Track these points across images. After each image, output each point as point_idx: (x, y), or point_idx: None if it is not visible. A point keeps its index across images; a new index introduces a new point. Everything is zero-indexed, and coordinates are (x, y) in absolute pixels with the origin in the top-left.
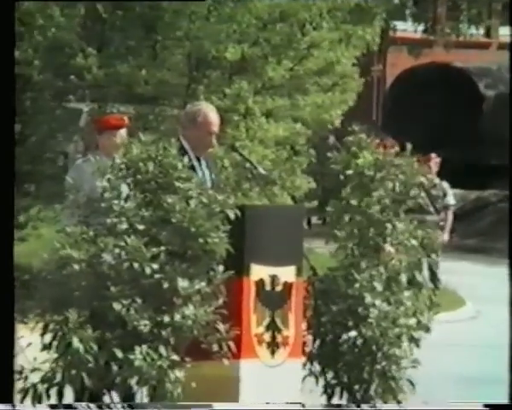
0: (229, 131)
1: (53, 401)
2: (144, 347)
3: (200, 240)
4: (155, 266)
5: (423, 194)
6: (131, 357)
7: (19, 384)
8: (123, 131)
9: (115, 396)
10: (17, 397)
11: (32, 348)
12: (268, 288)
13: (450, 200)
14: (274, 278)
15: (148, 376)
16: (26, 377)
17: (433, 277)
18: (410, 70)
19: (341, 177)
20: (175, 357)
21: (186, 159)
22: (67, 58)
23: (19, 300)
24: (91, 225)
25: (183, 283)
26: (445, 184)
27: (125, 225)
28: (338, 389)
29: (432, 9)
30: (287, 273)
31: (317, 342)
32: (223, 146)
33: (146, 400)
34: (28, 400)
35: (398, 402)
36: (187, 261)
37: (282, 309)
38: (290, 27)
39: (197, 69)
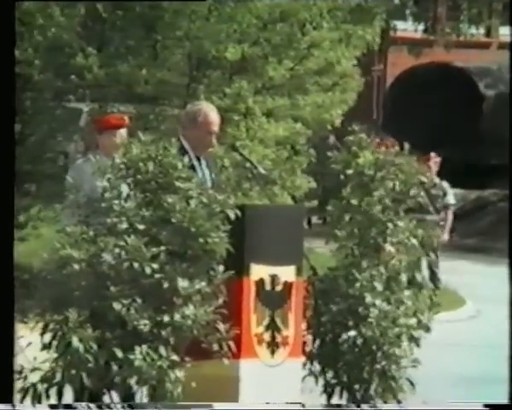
0: (230, 130)
1: (52, 400)
2: (144, 347)
3: (201, 240)
4: (155, 265)
5: (423, 193)
6: (131, 357)
7: (18, 384)
8: (123, 131)
9: (115, 396)
10: (17, 397)
11: (31, 347)
12: (268, 288)
13: (450, 199)
14: (274, 278)
15: (148, 376)
16: (25, 377)
17: (434, 276)
18: (411, 70)
19: (342, 176)
20: (175, 357)
21: (186, 159)
22: (67, 58)
23: (19, 299)
24: (91, 224)
25: (183, 282)
26: (445, 184)
27: (125, 225)
28: (338, 389)
29: (432, 9)
30: (287, 273)
31: (317, 341)
32: (223, 146)
33: (146, 400)
34: (28, 400)
35: (398, 402)
36: (187, 261)
37: (281, 309)
38: (290, 27)
39: (197, 69)
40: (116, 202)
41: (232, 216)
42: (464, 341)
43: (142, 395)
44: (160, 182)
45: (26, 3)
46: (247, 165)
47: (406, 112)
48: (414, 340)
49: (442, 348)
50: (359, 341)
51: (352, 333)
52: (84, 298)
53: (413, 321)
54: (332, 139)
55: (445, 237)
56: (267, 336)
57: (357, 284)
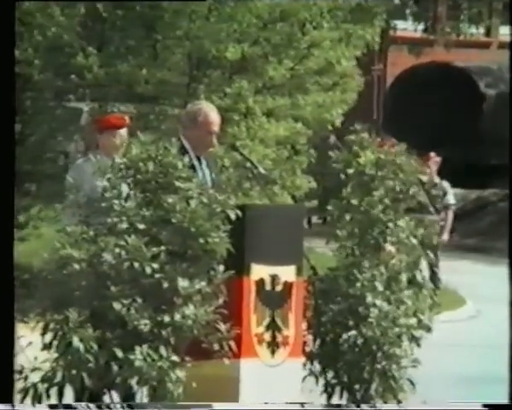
0: (230, 130)
1: (53, 400)
2: (144, 347)
3: (201, 240)
4: (156, 265)
5: (423, 193)
6: (131, 357)
7: (19, 384)
8: (123, 131)
9: (115, 396)
10: (17, 397)
11: (32, 347)
12: (268, 287)
13: (451, 199)
14: (274, 278)
15: (148, 376)
16: (26, 377)
17: (434, 276)
18: (411, 69)
19: (342, 176)
20: (175, 357)
21: (186, 158)
22: (68, 57)
23: (19, 299)
24: (92, 224)
25: (183, 282)
26: (446, 184)
27: (125, 225)
28: (338, 389)
29: (432, 9)
30: (287, 273)
31: (318, 341)
32: (223, 146)
33: (146, 400)
34: (28, 400)
35: (399, 402)
36: (187, 261)
37: (282, 309)
38: (290, 27)
39: (198, 69)
40: (116, 201)
41: (232, 216)
42: (464, 341)
43: (142, 396)
44: (161, 182)
45: (26, 3)
46: (248, 165)
47: (406, 111)
48: (414, 340)
49: (442, 348)
50: (360, 341)
51: (353, 333)
52: (85, 298)
53: (413, 321)
54: (332, 139)
55: (445, 237)
56: (267, 336)
57: (358, 284)
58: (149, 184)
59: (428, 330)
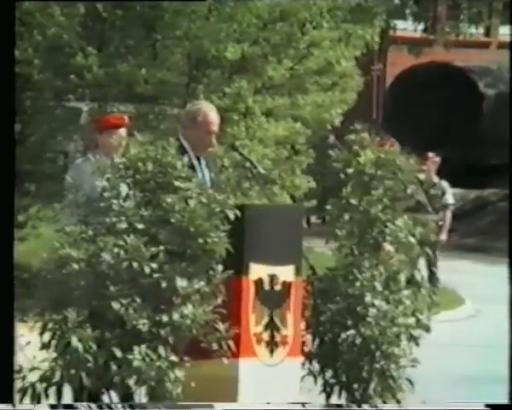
0: (229, 130)
1: (51, 400)
2: (143, 347)
3: (200, 240)
4: (154, 265)
5: (421, 192)
6: (130, 357)
7: (17, 383)
8: (123, 131)
9: (114, 396)
10: (16, 397)
11: (31, 346)
12: (267, 287)
13: (449, 199)
14: (273, 278)
15: (147, 376)
16: (24, 377)
17: (432, 276)
18: (410, 69)
19: (342, 175)
20: (174, 357)
21: (186, 158)
22: (67, 57)
23: (18, 299)
24: (91, 224)
25: (182, 282)
26: (445, 183)
27: (124, 225)
28: (337, 389)
29: (432, 9)
30: (286, 273)
31: (316, 341)
32: (223, 145)
33: (144, 399)
34: (27, 399)
35: (397, 402)
36: (186, 261)
37: (280, 308)
38: (290, 27)
39: (197, 68)
40: (115, 201)
41: (231, 216)
42: (463, 340)
43: (140, 395)
44: (160, 181)
45: (25, 3)
46: (247, 164)
47: (406, 111)
48: (413, 339)
49: (441, 347)
50: (358, 340)
51: (351, 332)
52: (84, 298)
53: (412, 320)
54: (331, 139)
55: (444, 236)
56: (266, 336)
57: (357, 284)
58: (148, 184)
59: (427, 329)
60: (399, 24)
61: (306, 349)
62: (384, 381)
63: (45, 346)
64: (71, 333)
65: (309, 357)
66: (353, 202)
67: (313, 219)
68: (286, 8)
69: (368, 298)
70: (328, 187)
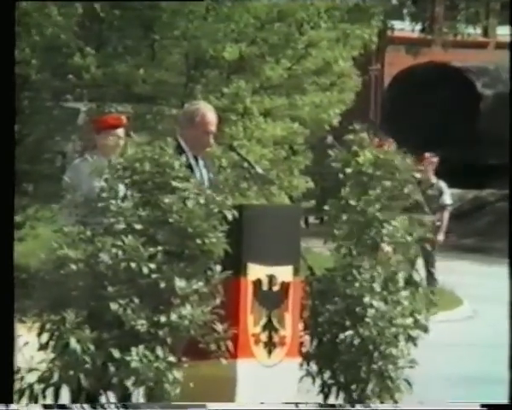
0: (227, 130)
1: (49, 401)
2: (141, 348)
3: (198, 240)
4: (153, 265)
5: (419, 192)
6: (128, 358)
7: (15, 384)
8: (120, 131)
9: (112, 397)
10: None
11: (29, 347)
12: (265, 288)
13: (447, 199)
14: (271, 278)
15: (145, 377)
16: (22, 378)
17: (430, 277)
18: (408, 69)
19: (340, 175)
20: (172, 358)
21: (183, 158)
22: (65, 58)
23: (16, 299)
24: (89, 224)
25: (180, 283)
26: (442, 184)
27: (122, 225)
28: (334, 389)
29: (430, 9)
30: (284, 273)
31: (314, 342)
32: (221, 146)
33: (142, 400)
34: (24, 400)
35: (395, 402)
36: (184, 261)
37: (279, 309)
38: (288, 27)
39: (195, 69)
40: (113, 202)
41: (229, 216)
42: (461, 341)
43: (138, 396)
44: (157, 182)
45: (23, 3)
46: (245, 165)
47: (404, 112)
48: (411, 339)
49: (439, 348)
50: (356, 341)
51: (349, 333)
52: (82, 298)
53: (410, 321)
54: (330, 139)
55: (441, 237)
56: (264, 337)
57: (356, 284)
58: (146, 185)
59: (425, 330)
60: (397, 24)
61: (304, 350)
62: (382, 382)
63: (43, 347)
64: (69, 334)
65: (307, 358)
66: (352, 202)
67: (311, 219)
68: (284, 8)
69: (366, 299)
70: (326, 187)
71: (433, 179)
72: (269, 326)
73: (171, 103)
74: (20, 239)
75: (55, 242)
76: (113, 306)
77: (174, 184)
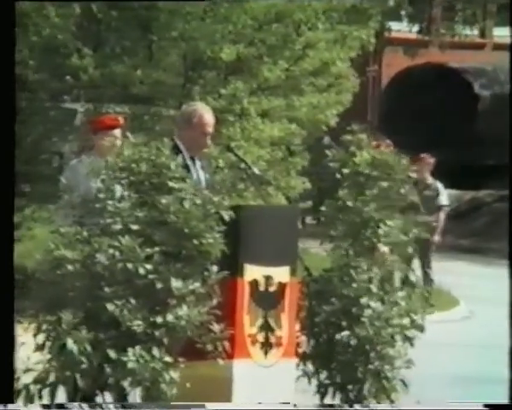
0: (225, 131)
1: (45, 402)
2: (137, 348)
3: (195, 241)
4: (149, 266)
5: (415, 192)
6: (125, 358)
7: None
8: (118, 132)
9: (108, 397)
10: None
11: (25, 348)
12: (262, 288)
13: (443, 200)
14: (268, 279)
15: (142, 377)
16: (18, 378)
17: (426, 277)
18: (406, 70)
19: (338, 175)
20: (168, 358)
21: (180, 158)
22: (63, 58)
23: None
24: (85, 225)
25: (177, 283)
26: (439, 185)
27: (119, 226)
28: (331, 389)
29: (427, 10)
30: (281, 274)
31: (311, 342)
32: (218, 146)
33: (139, 400)
34: (20, 401)
35: (392, 402)
36: (181, 262)
37: (275, 309)
38: (286, 28)
39: (193, 69)
40: (110, 202)
41: (226, 217)
42: (458, 341)
43: (135, 396)
44: (154, 182)
45: (21, 4)
46: (242, 166)
47: (401, 112)
48: (408, 339)
49: (436, 348)
50: (353, 341)
51: (346, 333)
52: (78, 299)
53: (406, 321)
54: (327, 140)
55: (437, 238)
56: (261, 337)
57: (354, 285)
58: (143, 185)
59: (421, 329)
60: (395, 25)
61: (301, 350)
62: (379, 382)
63: (39, 347)
64: (65, 335)
65: (304, 358)
66: (349, 203)
67: (308, 220)
68: (281, 9)
69: (363, 299)
70: (323, 188)
71: (430, 180)
72: (265, 327)
73: (169, 104)
74: (17, 240)
75: (52, 242)
76: (110, 306)
77: (171, 184)
